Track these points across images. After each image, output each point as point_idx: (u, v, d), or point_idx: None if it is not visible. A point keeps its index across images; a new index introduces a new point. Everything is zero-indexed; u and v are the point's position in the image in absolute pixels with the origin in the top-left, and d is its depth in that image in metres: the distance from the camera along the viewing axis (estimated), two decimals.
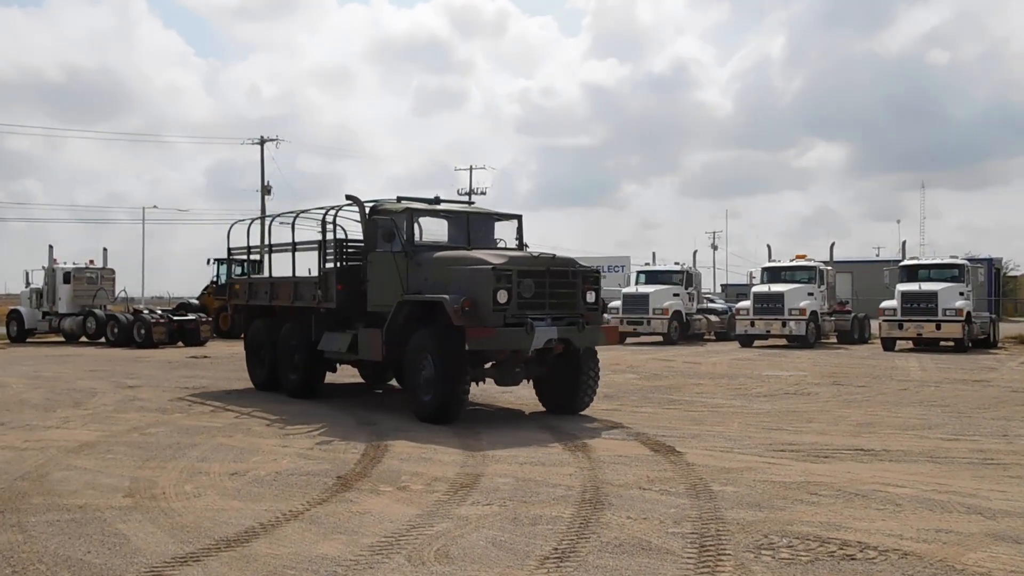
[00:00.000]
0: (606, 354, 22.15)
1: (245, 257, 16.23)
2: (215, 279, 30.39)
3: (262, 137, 52.42)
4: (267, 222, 14.79)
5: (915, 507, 6.20)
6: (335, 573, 4.78)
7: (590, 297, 10.71)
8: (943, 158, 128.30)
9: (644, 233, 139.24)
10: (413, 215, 11.46)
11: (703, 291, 34.15)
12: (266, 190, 51.69)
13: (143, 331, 26.00)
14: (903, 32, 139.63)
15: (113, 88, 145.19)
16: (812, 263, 27.74)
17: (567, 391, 11.11)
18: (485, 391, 12.90)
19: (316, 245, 12.72)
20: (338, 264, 12.29)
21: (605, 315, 28.99)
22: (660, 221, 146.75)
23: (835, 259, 30.36)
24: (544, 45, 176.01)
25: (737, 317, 27.72)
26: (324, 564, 4.92)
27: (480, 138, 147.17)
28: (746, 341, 26.90)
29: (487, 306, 9.85)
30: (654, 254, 34.19)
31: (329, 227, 12.44)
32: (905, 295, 24.36)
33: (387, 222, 11.25)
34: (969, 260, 26.06)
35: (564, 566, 4.87)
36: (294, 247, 13.33)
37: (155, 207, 68.64)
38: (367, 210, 11.88)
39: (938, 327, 23.80)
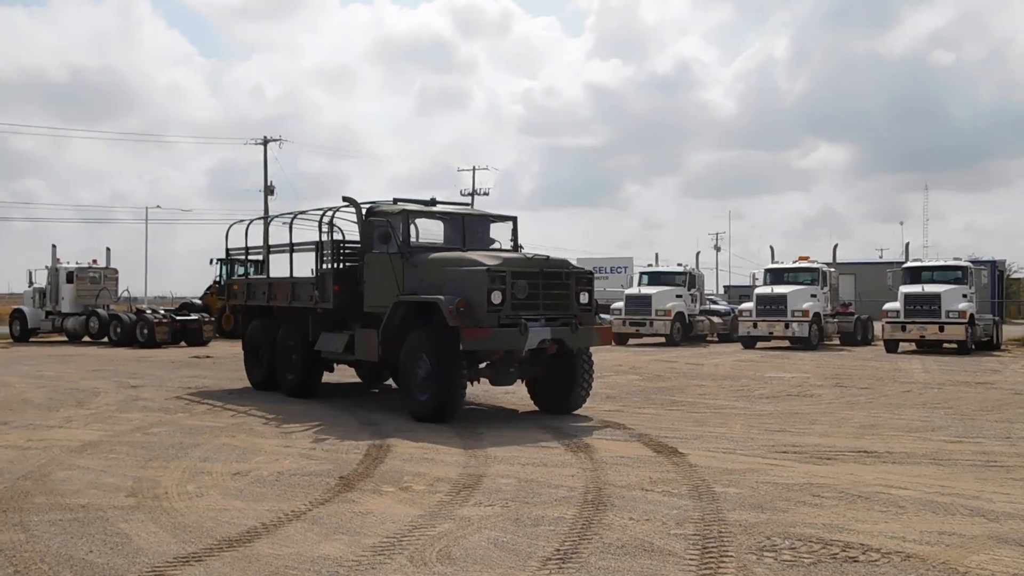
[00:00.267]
0: (609, 355, 22.19)
1: (244, 257, 16.23)
2: (218, 279, 30.40)
3: (265, 137, 52.48)
4: (266, 223, 14.81)
5: (918, 509, 6.19)
6: (337, 573, 4.78)
7: (583, 298, 10.82)
8: (947, 159, 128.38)
9: (647, 234, 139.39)
10: (409, 216, 11.53)
11: (706, 292, 34.14)
12: (269, 190, 51.74)
13: (146, 331, 26.03)
14: (907, 33, 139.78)
15: (116, 88, 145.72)
16: (815, 264, 27.70)
17: (561, 391, 11.21)
18: (487, 392, 12.90)
19: (313, 246, 12.76)
20: (335, 265, 12.36)
21: (606, 316, 29.23)
22: (663, 222, 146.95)
23: (838, 260, 30.35)
24: (547, 45, 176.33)
25: (740, 318, 27.68)
26: (326, 564, 4.92)
27: (483, 139, 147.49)
28: (749, 343, 26.88)
29: (482, 307, 9.94)
30: (657, 255, 34.21)
31: (326, 228, 12.48)
32: (908, 297, 24.32)
33: (383, 224, 11.32)
34: (972, 262, 26.01)
35: (566, 567, 4.87)
36: (292, 248, 13.37)
37: (158, 207, 68.76)
38: (364, 212, 11.93)
39: (941, 329, 23.76)
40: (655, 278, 30.12)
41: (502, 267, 10.21)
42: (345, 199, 12.20)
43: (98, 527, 5.71)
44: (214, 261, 30.62)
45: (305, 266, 13.26)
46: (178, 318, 27.12)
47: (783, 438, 9.40)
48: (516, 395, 12.89)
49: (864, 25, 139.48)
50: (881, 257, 71.54)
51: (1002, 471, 7.64)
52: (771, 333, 26.32)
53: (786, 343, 27.13)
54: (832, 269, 28.21)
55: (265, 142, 52.37)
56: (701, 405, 12.47)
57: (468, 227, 11.89)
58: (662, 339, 28.42)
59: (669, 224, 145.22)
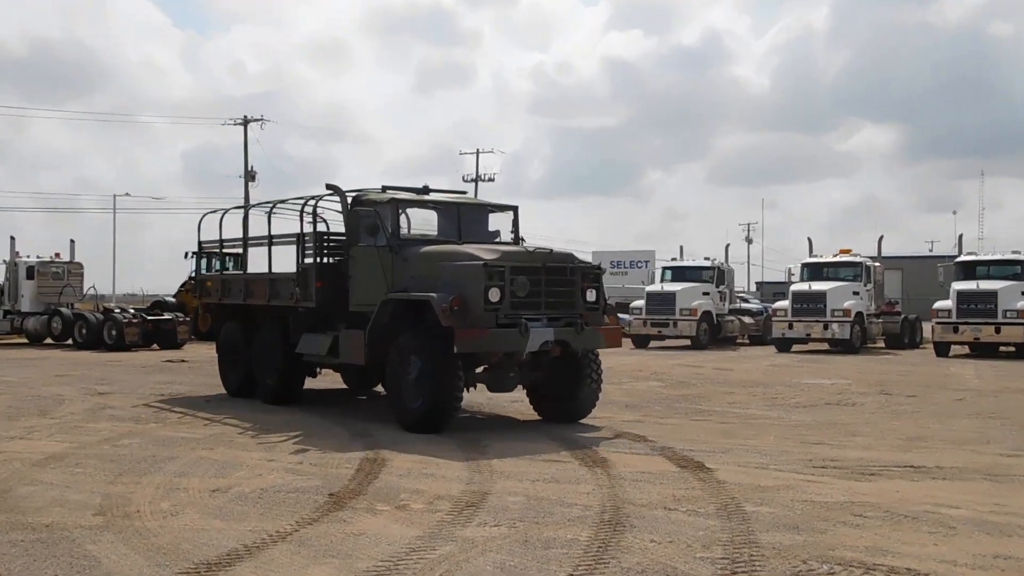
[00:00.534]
0: (628, 359, 22.21)
1: (219, 251, 16.29)
2: (193, 275, 30.47)
3: (246, 117, 52.79)
4: (245, 213, 14.87)
5: (970, 530, 6.20)
6: None
7: (590, 295, 10.88)
8: (1005, 142, 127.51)
9: (670, 225, 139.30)
10: (399, 206, 11.59)
11: (736, 290, 34.17)
12: (250, 176, 52.02)
13: (114, 332, 26.16)
14: (961, 0, 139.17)
15: (83, 63, 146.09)
16: (858, 259, 27.71)
17: (565, 398, 11.28)
18: (491, 399, 12.93)
19: (294, 239, 12.82)
20: (318, 260, 12.41)
21: (624, 316, 29.26)
22: (688, 212, 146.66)
23: (883, 254, 30.30)
24: (560, 15, 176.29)
25: (773, 319, 27.71)
26: None
27: (488, 119, 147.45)
28: (783, 345, 26.88)
29: (478, 305, 9.99)
30: (681, 248, 34.22)
31: (308, 219, 12.52)
32: (961, 295, 24.28)
33: (370, 214, 11.37)
34: None
35: None
36: (271, 241, 13.43)
37: (127, 195, 69.15)
38: (349, 201, 11.98)
39: (997, 330, 23.70)
40: (679, 274, 30.15)
41: (500, 261, 10.26)
42: (329, 187, 12.25)
43: (64, 549, 5.76)
44: (189, 255, 30.45)
45: (286, 261, 13.32)
46: (150, 318, 27.23)
47: (821, 451, 9.41)
48: (524, 403, 12.91)
49: None
50: (931, 250, 71.49)
51: None
52: (808, 335, 26.33)
53: (825, 346, 27.12)
54: (876, 264, 28.20)
55: (246, 123, 52.63)
56: (730, 415, 12.49)
57: (464, 218, 11.96)
58: (687, 341, 28.46)
59: (695, 214, 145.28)
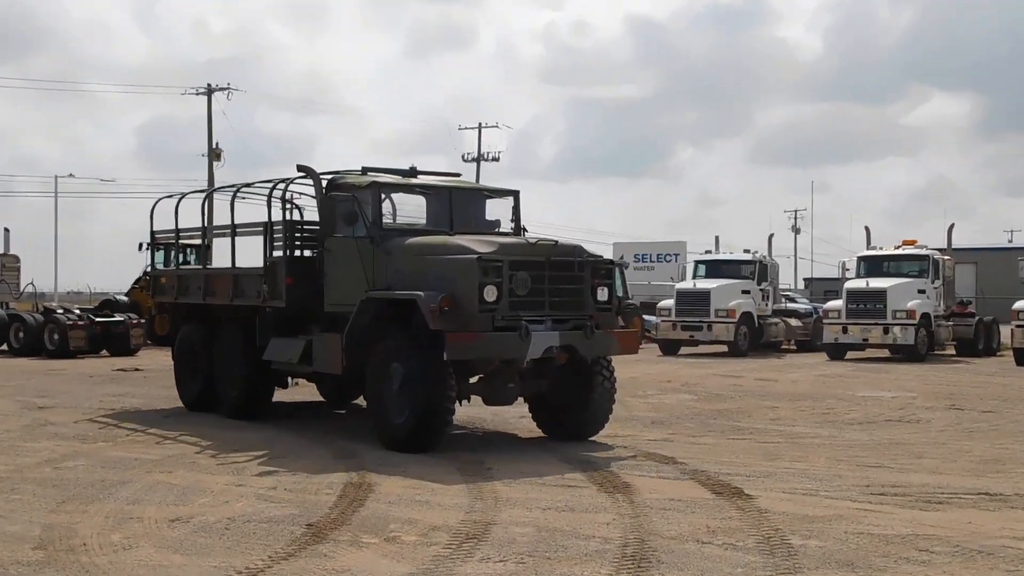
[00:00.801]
0: (655, 368, 22.21)
1: (175, 242, 16.33)
2: (148, 269, 30.56)
3: (209, 86, 52.80)
4: (205, 197, 14.93)
5: None
6: None
7: (602, 294, 10.92)
8: None
9: (704, 212, 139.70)
10: (381, 190, 11.64)
11: (781, 287, 34.12)
12: (215, 155, 52.01)
13: (56, 336, 26.16)
14: None
15: (20, 22, 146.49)
16: (924, 251, 27.67)
17: (572, 413, 11.32)
18: (495, 414, 12.96)
19: (261, 228, 12.86)
20: (288, 252, 12.44)
21: (651, 318, 29.23)
22: (725, 196, 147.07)
23: (954, 246, 30.30)
24: None
25: (824, 321, 27.65)
26: None
27: (492, 88, 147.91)
28: (836, 352, 26.84)
29: (471, 305, 10.02)
30: (717, 239, 34.29)
31: (277, 205, 12.54)
32: None
33: (348, 200, 11.38)
34: None
35: None
36: (234, 230, 13.48)
37: (71, 176, 68.89)
38: (323, 184, 12.01)
39: None
40: (715, 268, 30.14)
41: (498, 255, 10.29)
42: (300, 168, 12.30)
43: None
44: (144, 247, 30.73)
45: (252, 253, 13.36)
46: (98, 320, 27.24)
47: (880, 476, 9.41)
48: (531, 418, 12.93)
49: None
50: (1011, 241, 71.33)
51: None
52: (865, 340, 26.29)
53: (885, 353, 27.09)
54: (946, 257, 28.15)
55: (209, 92, 52.67)
56: (773, 433, 12.50)
57: (457, 204, 11.98)
58: (723, 348, 28.44)
59: (733, 199, 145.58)
